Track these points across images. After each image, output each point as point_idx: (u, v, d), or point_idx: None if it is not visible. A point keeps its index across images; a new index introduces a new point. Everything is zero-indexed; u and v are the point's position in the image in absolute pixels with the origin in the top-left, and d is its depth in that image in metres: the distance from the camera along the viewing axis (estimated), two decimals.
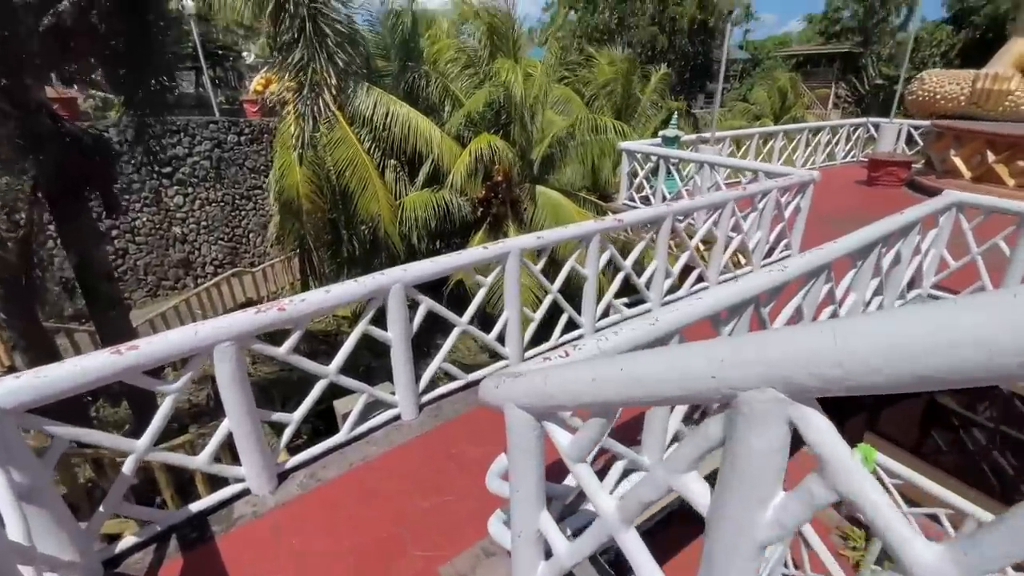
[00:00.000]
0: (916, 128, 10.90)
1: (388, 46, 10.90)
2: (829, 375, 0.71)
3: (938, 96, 8.56)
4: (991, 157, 7.61)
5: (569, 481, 2.03)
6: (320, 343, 10.53)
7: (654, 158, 7.65)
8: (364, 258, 10.41)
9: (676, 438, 2.42)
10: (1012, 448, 5.38)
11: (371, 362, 8.54)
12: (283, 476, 2.70)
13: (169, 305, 11.01)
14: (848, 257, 3.27)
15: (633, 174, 8.14)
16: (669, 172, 7.51)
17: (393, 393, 3.14)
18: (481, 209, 11.07)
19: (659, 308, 4.58)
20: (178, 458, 2.42)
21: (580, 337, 4.20)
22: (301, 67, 7.39)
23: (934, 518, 4.52)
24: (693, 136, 9.14)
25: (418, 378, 3.23)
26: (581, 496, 2.12)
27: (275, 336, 2.47)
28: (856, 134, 11.74)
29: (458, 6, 10.28)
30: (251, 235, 15.02)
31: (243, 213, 14.68)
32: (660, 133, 8.14)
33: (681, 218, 4.48)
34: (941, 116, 8.79)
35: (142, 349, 1.99)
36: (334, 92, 8.89)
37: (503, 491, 1.75)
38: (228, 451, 2.87)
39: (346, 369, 2.81)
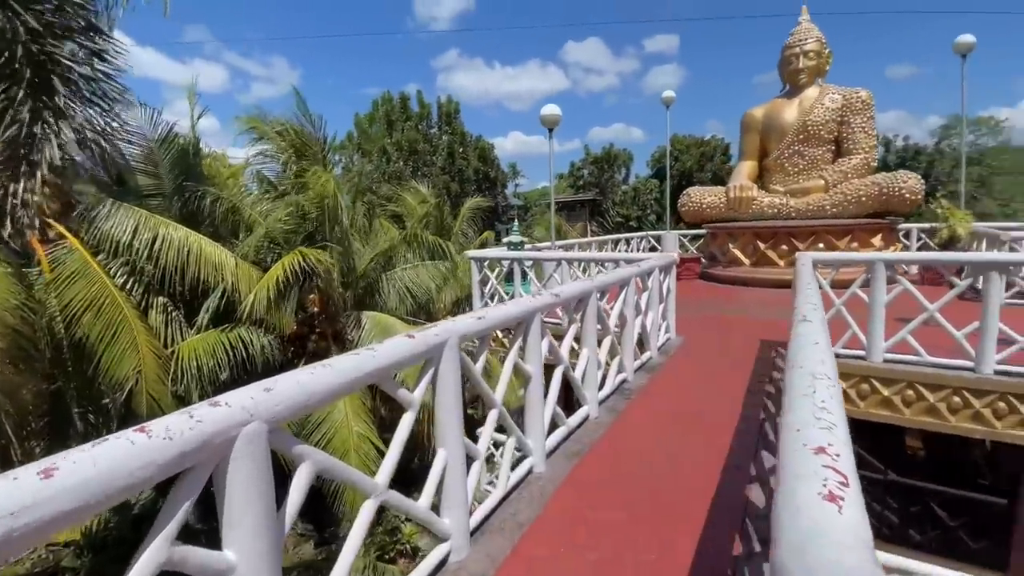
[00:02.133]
0: (685, 236, 13.26)
1: (158, 160, 8.82)
2: None
3: (704, 206, 10.55)
4: (762, 246, 9.32)
5: None
6: None
7: (506, 263, 7.16)
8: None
9: None
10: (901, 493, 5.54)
11: None
12: None
13: None
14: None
15: (483, 282, 7.47)
16: (525, 275, 7.05)
17: None
18: (293, 348, 8.90)
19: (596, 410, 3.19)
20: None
21: (531, 472, 2.79)
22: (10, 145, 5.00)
23: None
24: (530, 247, 9.18)
25: None
26: None
27: None
28: (642, 245, 13.72)
29: (245, 124, 9.08)
30: None
31: None
32: (505, 240, 7.84)
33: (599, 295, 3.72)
34: (709, 221, 10.76)
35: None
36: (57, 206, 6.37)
37: None
38: None
39: None
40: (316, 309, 8.52)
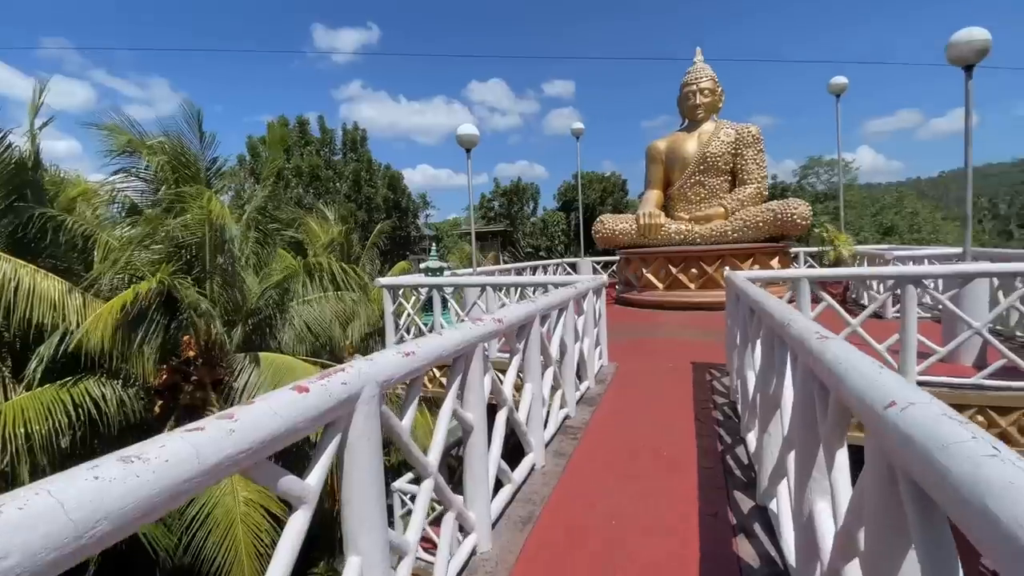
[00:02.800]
0: (598, 262, 13.45)
1: None
2: None
3: (617, 232, 10.72)
4: (673, 270, 9.56)
5: None
6: None
7: (424, 291, 6.50)
8: None
9: None
10: None
11: None
12: None
13: None
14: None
15: (398, 313, 6.72)
16: (445, 303, 6.43)
17: None
18: (162, 401, 7.40)
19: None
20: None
21: (475, 555, 2.15)
22: None
23: None
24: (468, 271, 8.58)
25: None
26: None
27: None
28: (558, 271, 13.69)
29: (115, 134, 7.55)
30: None
31: None
32: (423, 265, 7.17)
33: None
34: (622, 247, 10.93)
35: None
36: None
37: None
38: None
39: None
40: (191, 353, 7.15)
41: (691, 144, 11.09)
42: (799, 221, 9.24)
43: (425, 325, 6.52)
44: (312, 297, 10.59)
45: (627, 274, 10.70)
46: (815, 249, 11.06)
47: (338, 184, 28.21)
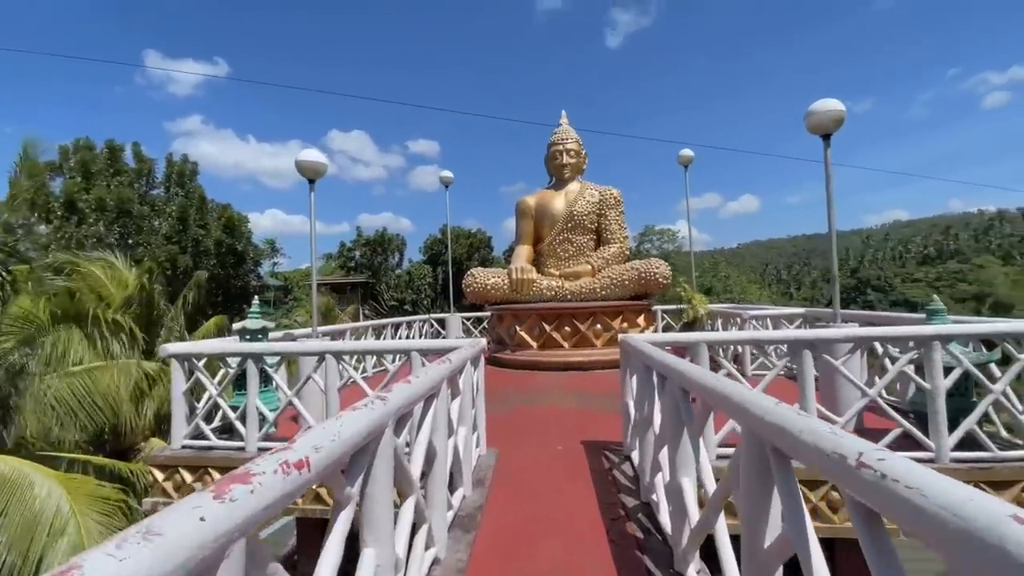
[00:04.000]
0: (468, 318, 12.51)
1: None
2: None
3: (488, 287, 9.93)
4: (547, 327, 8.97)
5: None
6: None
7: (234, 361, 4.76)
8: None
9: None
10: None
11: None
12: None
13: None
14: None
15: (195, 392, 4.84)
16: (267, 380, 4.76)
17: None
18: None
19: None
20: None
21: None
22: None
23: None
24: (301, 332, 6.75)
25: None
26: None
27: None
28: (424, 328, 12.38)
29: None
30: None
31: None
32: (237, 325, 5.35)
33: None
34: (493, 302, 10.15)
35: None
36: None
37: None
38: None
39: None
40: None
41: (559, 202, 11.05)
42: (661, 280, 9.45)
43: (236, 409, 4.72)
44: (82, 368, 7.74)
45: (500, 331, 9.88)
46: (672, 307, 11.55)
47: (156, 223, 23.65)
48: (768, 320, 7.95)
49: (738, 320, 8.01)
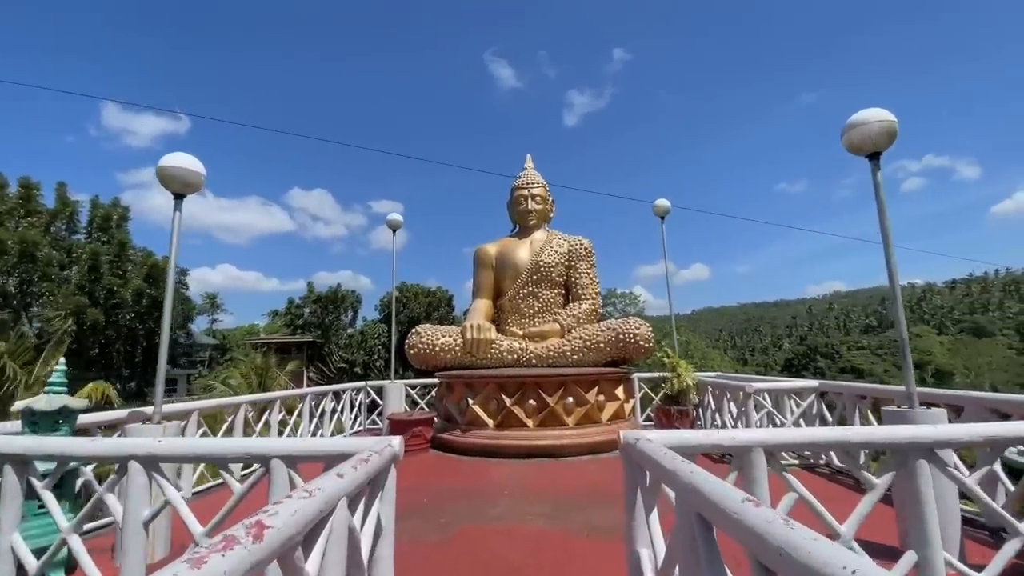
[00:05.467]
0: (413, 386, 10.60)
1: None
2: None
3: (437, 348, 8.18)
4: (507, 401, 7.21)
5: None
6: None
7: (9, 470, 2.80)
8: None
9: None
10: None
11: None
12: None
13: None
14: None
15: None
16: (76, 495, 2.82)
17: None
18: None
19: None
20: None
21: None
22: None
23: None
24: (124, 413, 4.72)
25: None
26: None
27: None
28: (359, 399, 10.31)
29: None
30: None
31: None
32: (20, 404, 3.38)
33: None
34: (443, 367, 8.37)
35: None
36: None
37: None
38: None
39: None
40: None
41: (523, 251, 9.68)
42: (642, 344, 7.99)
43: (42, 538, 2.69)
44: None
45: (448, 405, 8.01)
46: (653, 375, 10.04)
47: (67, 271, 20.82)
48: (781, 396, 6.51)
49: (740, 395, 6.53)
